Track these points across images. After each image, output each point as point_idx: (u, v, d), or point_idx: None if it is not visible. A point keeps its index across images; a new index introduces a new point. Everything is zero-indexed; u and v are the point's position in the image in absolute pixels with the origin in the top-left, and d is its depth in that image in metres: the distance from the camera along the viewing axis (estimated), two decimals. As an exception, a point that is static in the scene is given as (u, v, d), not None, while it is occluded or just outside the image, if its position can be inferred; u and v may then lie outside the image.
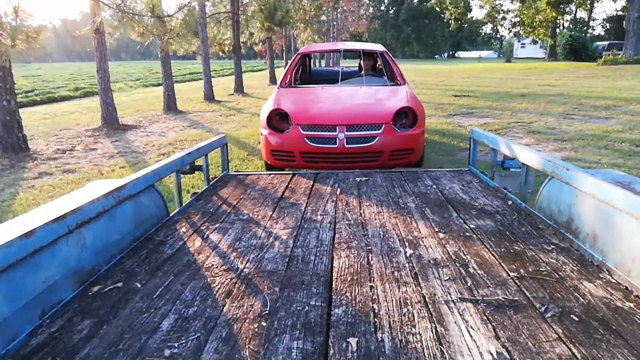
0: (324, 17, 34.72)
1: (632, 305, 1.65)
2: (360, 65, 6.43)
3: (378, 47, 6.16)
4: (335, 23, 39.94)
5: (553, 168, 2.47)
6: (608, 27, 56.29)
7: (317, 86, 5.78)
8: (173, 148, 7.53)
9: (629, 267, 1.80)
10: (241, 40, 17.79)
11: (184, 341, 1.48)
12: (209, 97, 15.08)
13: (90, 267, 1.94)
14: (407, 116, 4.51)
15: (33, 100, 16.90)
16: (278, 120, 4.60)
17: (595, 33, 57.39)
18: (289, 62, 6.07)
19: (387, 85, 5.44)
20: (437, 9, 35.86)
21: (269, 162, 4.69)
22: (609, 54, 29.97)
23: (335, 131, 4.26)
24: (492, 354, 1.38)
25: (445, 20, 35.60)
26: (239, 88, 17.44)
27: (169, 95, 12.26)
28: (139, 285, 1.90)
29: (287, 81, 5.60)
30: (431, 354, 1.39)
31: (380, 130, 4.29)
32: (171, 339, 1.50)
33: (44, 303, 1.64)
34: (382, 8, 77.37)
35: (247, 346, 1.44)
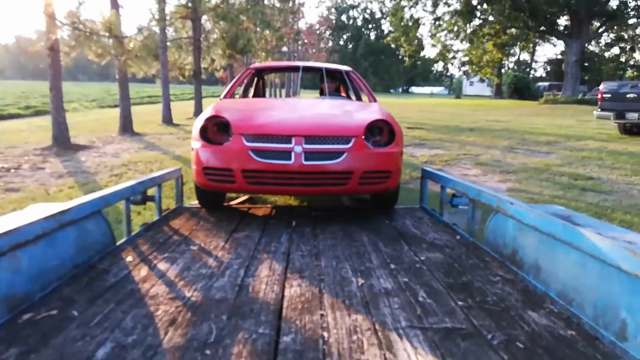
0: (285, 49, 35.20)
1: (573, 333, 1.70)
2: (322, 90, 5.19)
3: (343, 67, 5.22)
4: (296, 54, 40.56)
5: (498, 202, 2.57)
6: (549, 69, 60.29)
7: (269, 98, 5.11)
8: (126, 169, 7.26)
9: (571, 296, 1.86)
10: (202, 66, 17.69)
11: (121, 373, 1.39)
12: (167, 120, 14.80)
13: (23, 294, 1.80)
14: (382, 133, 3.44)
15: (-20, 117, 15.99)
16: (216, 131, 3.39)
17: (538, 74, 61.35)
18: (236, 77, 5.02)
19: (356, 102, 4.72)
20: (392, 45, 37.22)
21: (199, 184, 3.45)
22: (549, 94, 31.98)
23: (291, 143, 3.11)
24: (440, 383, 1.37)
25: (400, 57, 36.98)
26: (199, 112, 17.16)
27: (125, 117, 11.92)
28: (75, 313, 1.78)
29: (229, 94, 4.58)
30: (380, 383, 1.37)
31: (349, 145, 3.18)
32: (107, 371, 1.40)
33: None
34: (341, 42, 79.65)
35: (189, 378, 1.37)
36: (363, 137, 3.24)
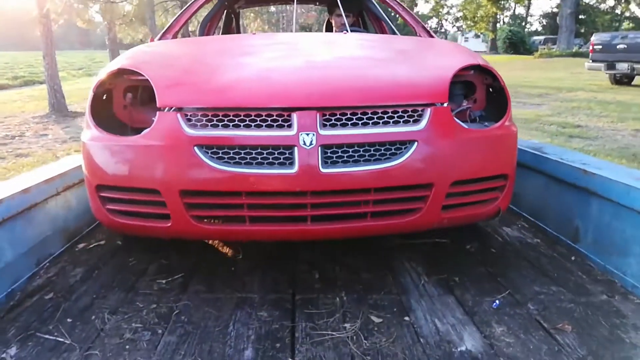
0: (273, 9, 34.58)
1: (538, 240, 2.05)
2: (329, 25, 3.41)
3: None
4: (284, 15, 39.87)
5: None
6: (544, 23, 59.41)
7: (242, 34, 3.22)
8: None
9: (542, 214, 2.19)
10: (190, 29, 17.59)
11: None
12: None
13: (75, 228, 2.12)
14: (475, 91, 1.88)
15: (-33, 90, 16.01)
16: (129, 104, 1.78)
17: (533, 28, 60.48)
18: (186, 6, 2.79)
19: (406, 37, 2.59)
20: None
21: (100, 220, 1.74)
22: (544, 48, 31.76)
23: (291, 126, 1.48)
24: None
25: (392, 14, 36.48)
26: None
27: (118, 84, 12.08)
28: (119, 242, 2.10)
29: (173, 34, 2.51)
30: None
31: (421, 125, 1.54)
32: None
33: (38, 254, 1.83)
34: None
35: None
36: (447, 104, 1.59)
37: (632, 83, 11.77)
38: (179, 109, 1.52)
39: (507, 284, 1.68)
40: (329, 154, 1.47)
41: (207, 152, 1.47)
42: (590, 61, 11.99)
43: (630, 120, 7.23)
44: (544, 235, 2.09)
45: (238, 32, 3.83)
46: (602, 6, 43.62)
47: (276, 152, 1.47)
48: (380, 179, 1.49)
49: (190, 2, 2.78)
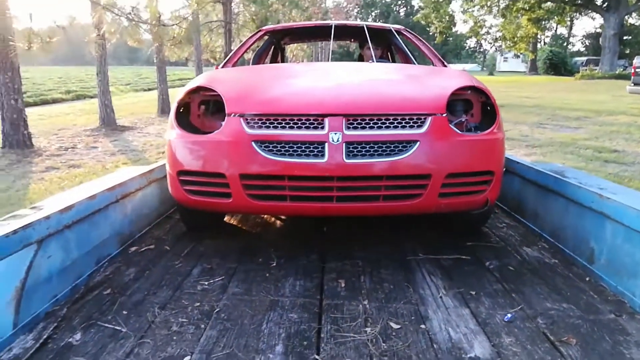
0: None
1: (556, 261, 2.15)
2: (362, 58, 3.91)
3: (392, 26, 3.62)
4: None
5: (506, 163, 2.98)
6: (587, 44, 58.08)
7: (288, 63, 3.74)
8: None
9: (562, 236, 2.29)
10: (232, 48, 18.29)
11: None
12: (201, 101, 15.47)
13: (128, 233, 2.37)
14: (472, 109, 2.33)
15: (26, 102, 17.05)
16: (202, 112, 2.33)
17: (575, 49, 59.18)
18: (242, 42, 3.56)
19: (421, 66, 3.05)
20: (422, 22, 36.79)
21: (176, 199, 2.29)
22: (586, 69, 31.08)
23: (323, 128, 1.98)
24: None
25: (430, 33, 36.53)
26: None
27: (163, 99, 12.64)
28: (167, 248, 2.34)
29: (232, 63, 3.13)
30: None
31: (423, 129, 2.01)
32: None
33: (98, 254, 2.07)
34: (370, 20, 78.80)
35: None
36: (444, 115, 2.04)
37: (676, 107, 11.45)
38: (241, 115, 2.03)
39: (521, 299, 1.79)
40: (351, 149, 1.95)
41: (261, 146, 1.98)
42: (632, 84, 11.74)
43: (670, 146, 7.10)
44: (562, 255, 2.19)
45: (283, 62, 4.59)
46: (649, 27, 42.31)
47: (311, 147, 1.96)
48: (390, 169, 1.95)
49: (246, 39, 3.50)
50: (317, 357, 1.45)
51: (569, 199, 2.17)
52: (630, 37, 42.99)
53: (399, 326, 1.62)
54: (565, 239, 2.22)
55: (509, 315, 1.68)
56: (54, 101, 18.62)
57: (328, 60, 4.63)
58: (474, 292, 1.85)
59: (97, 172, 6.11)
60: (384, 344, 1.51)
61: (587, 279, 1.96)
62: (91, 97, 17.84)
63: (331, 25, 3.39)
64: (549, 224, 2.40)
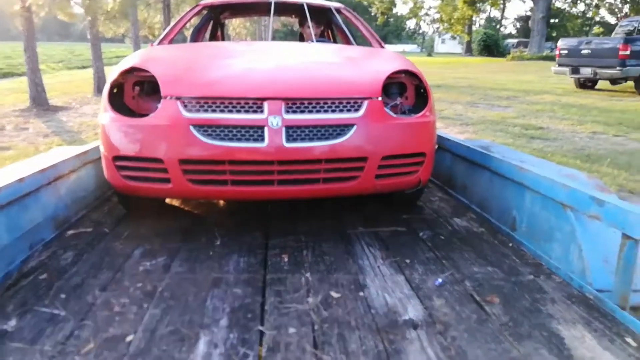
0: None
1: (483, 229, 2.32)
2: (302, 36, 3.82)
3: (332, 3, 3.60)
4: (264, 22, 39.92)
5: (438, 140, 3.14)
6: (518, 26, 60.88)
7: (227, 42, 3.70)
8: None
9: (488, 206, 2.47)
10: (172, 23, 17.60)
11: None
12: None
13: (64, 216, 2.29)
14: (406, 92, 2.38)
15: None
16: (138, 95, 2.23)
17: (507, 31, 61.94)
18: (179, 17, 3.40)
19: (358, 47, 3.18)
20: (364, 3, 36.99)
21: (112, 184, 2.22)
22: (516, 51, 32.62)
23: (262, 111, 1.96)
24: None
25: (372, 14, 36.84)
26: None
27: (99, 77, 11.97)
28: (107, 230, 2.29)
29: (169, 40, 3.04)
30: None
31: (359, 113, 2.04)
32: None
33: (30, 239, 2.00)
34: None
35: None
36: (380, 98, 2.08)
37: (596, 87, 12.34)
38: (178, 98, 1.97)
39: (451, 265, 1.94)
40: (290, 133, 1.95)
41: (200, 130, 1.93)
42: (557, 65, 12.51)
43: (588, 124, 7.68)
44: (488, 224, 2.37)
45: (223, 39, 4.46)
46: (574, 10, 44.96)
47: (251, 131, 1.94)
48: (329, 152, 1.98)
49: (184, 14, 3.38)
50: (260, 327, 1.51)
51: (494, 171, 2.34)
52: (557, 20, 45.46)
53: (339, 295, 1.70)
54: (491, 209, 2.40)
55: (440, 280, 1.81)
56: (-25, 80, 17.16)
57: (269, 39, 4.73)
58: (408, 261, 1.97)
59: (28, 154, 5.74)
60: (325, 312, 1.59)
61: (510, 244, 2.14)
62: (19, 75, 16.60)
63: (271, 2, 3.31)
64: (476, 196, 2.58)
